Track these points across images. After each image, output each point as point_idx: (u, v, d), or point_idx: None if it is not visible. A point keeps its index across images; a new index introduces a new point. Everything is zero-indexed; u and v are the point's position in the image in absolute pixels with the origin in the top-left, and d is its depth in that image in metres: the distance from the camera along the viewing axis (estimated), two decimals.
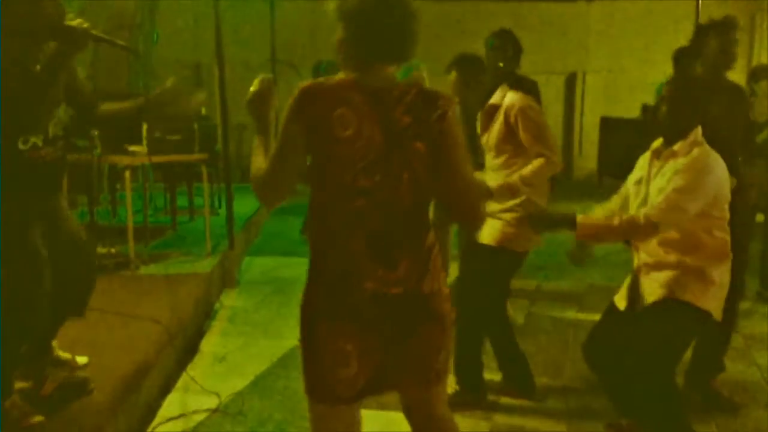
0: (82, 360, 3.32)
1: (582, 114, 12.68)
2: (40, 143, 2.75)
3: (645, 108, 11.54)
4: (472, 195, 2.02)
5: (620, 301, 3.03)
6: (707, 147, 2.79)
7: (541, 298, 5.45)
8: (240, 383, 3.81)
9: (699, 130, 2.82)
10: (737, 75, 11.22)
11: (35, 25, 2.67)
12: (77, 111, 3.14)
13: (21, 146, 2.70)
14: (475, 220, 2.09)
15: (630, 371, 2.79)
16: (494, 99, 3.43)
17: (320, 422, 2.09)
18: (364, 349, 1.98)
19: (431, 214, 2.15)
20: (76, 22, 2.69)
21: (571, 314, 5.06)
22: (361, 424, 2.15)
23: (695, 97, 2.84)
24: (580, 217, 2.80)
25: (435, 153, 1.92)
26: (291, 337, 4.42)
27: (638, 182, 2.99)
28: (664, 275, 2.82)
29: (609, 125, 11.94)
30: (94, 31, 2.77)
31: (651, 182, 2.88)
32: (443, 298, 2.05)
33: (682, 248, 2.78)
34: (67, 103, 2.96)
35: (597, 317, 4.88)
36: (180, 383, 3.83)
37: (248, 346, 4.39)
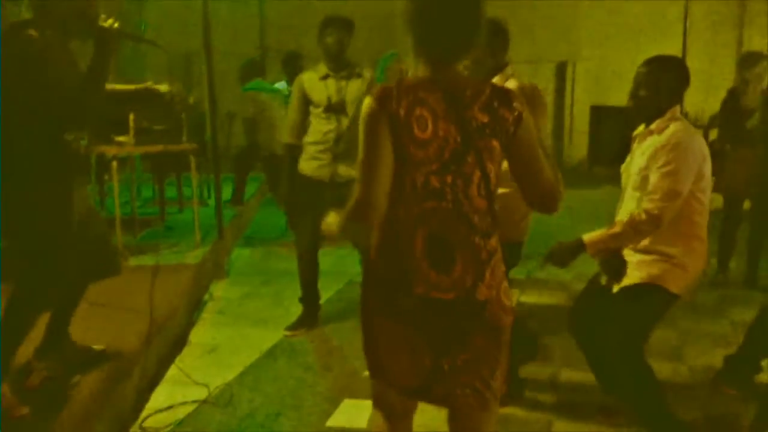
0: (98, 347, 3.34)
1: (572, 103, 12.67)
2: (83, 137, 2.80)
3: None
4: (551, 182, 1.97)
5: (602, 276, 3.12)
6: (684, 122, 2.84)
7: (530, 286, 5.46)
8: (229, 374, 3.80)
9: (677, 108, 2.85)
10: (728, 61, 11.24)
11: (80, 25, 2.77)
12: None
13: (68, 137, 2.77)
14: (555, 204, 2.00)
15: (605, 347, 2.90)
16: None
17: (378, 397, 2.16)
18: (413, 351, 1.97)
19: None
20: (108, 23, 2.71)
21: (561, 302, 5.07)
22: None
23: (671, 78, 2.87)
24: (585, 238, 2.87)
25: (509, 152, 1.92)
26: (280, 328, 4.42)
27: (624, 171, 3.04)
28: (644, 259, 2.88)
29: (599, 114, 11.97)
30: (124, 30, 2.81)
31: (633, 163, 2.94)
32: (502, 309, 1.96)
33: (664, 236, 2.81)
34: None
35: None
36: (169, 374, 3.82)
37: (237, 337, 4.38)
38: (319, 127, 4.24)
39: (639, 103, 2.90)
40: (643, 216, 2.73)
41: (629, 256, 2.95)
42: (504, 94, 1.90)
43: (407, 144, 1.86)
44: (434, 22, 1.88)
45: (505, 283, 2.00)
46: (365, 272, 2.06)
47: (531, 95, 3.09)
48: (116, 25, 2.75)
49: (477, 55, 3.19)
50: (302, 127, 4.31)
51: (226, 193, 6.38)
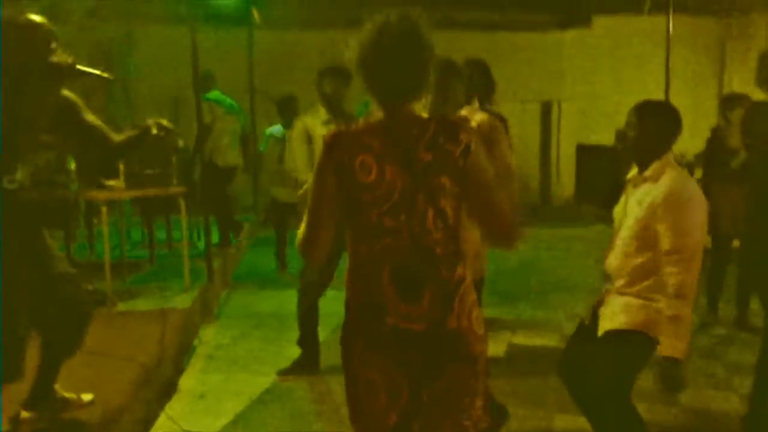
0: (87, 397, 3.29)
1: (558, 142, 12.81)
2: (27, 183, 2.75)
3: (620, 134, 11.67)
4: (507, 217, 1.98)
5: (586, 316, 3.09)
6: (679, 169, 2.83)
7: (521, 327, 5.44)
8: (219, 421, 3.75)
9: (671, 154, 2.85)
10: (708, 101, 11.39)
11: (25, 61, 2.69)
12: (97, 147, 3.14)
13: (6, 185, 2.69)
14: (511, 240, 2.01)
15: (592, 392, 2.87)
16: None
17: None
18: (391, 383, 1.99)
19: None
20: (61, 57, 2.70)
21: (552, 343, 5.05)
22: None
23: (662, 121, 2.87)
24: (674, 353, 2.68)
25: (462, 185, 1.93)
26: (270, 373, 4.38)
27: (617, 214, 3.04)
28: (630, 303, 2.84)
29: (585, 152, 12.09)
30: (78, 66, 2.78)
31: (627, 208, 2.92)
32: (474, 337, 1.98)
33: (654, 284, 2.80)
34: (84, 143, 2.98)
35: None
36: (159, 422, 3.76)
37: (227, 383, 4.32)
38: None
39: (629, 144, 2.91)
40: (678, 289, 2.67)
41: (614, 297, 2.92)
42: (449, 128, 1.93)
43: (354, 188, 1.92)
44: (379, 66, 1.91)
45: (477, 312, 2.01)
46: (345, 306, 2.07)
47: (488, 129, 3.12)
48: (70, 60, 2.75)
49: (438, 94, 3.16)
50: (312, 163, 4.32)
51: (215, 235, 6.36)
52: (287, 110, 6.85)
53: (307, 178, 4.36)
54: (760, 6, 11.13)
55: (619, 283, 2.90)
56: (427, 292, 1.93)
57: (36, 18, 2.79)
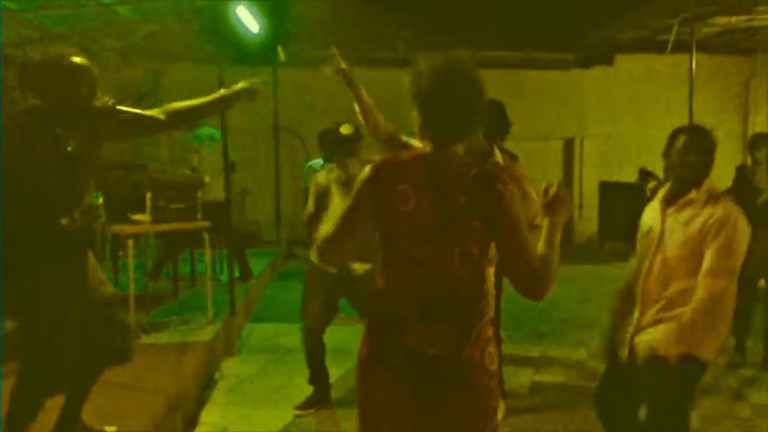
0: (110, 429, 3.33)
1: (581, 178, 12.78)
2: (78, 216, 2.82)
3: (643, 172, 11.68)
4: (537, 268, 1.99)
5: (624, 349, 3.01)
6: (729, 200, 2.86)
7: (544, 364, 5.39)
8: None
9: (711, 180, 2.88)
10: (732, 140, 11.34)
11: (71, 104, 2.80)
12: (149, 131, 3.23)
13: (63, 222, 2.78)
14: (538, 294, 2.00)
15: (654, 422, 2.82)
16: None
17: None
18: (397, 401, 2.01)
19: None
20: (101, 102, 2.79)
21: (575, 381, 4.99)
22: None
23: (712, 144, 2.92)
24: (702, 354, 2.75)
25: (493, 231, 1.96)
26: (290, 407, 4.37)
27: (647, 234, 2.99)
28: (672, 328, 2.80)
29: (608, 189, 12.05)
30: (119, 107, 2.87)
31: (665, 232, 2.89)
32: (484, 372, 2.01)
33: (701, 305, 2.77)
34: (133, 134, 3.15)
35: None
36: None
37: (248, 417, 4.32)
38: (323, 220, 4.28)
39: (687, 166, 2.88)
40: (707, 296, 2.71)
41: (655, 323, 2.87)
42: (488, 177, 1.97)
43: (389, 213, 1.98)
44: (440, 107, 1.96)
45: (491, 348, 2.04)
46: (366, 326, 2.11)
47: (519, 176, 3.16)
48: (110, 103, 2.84)
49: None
50: (319, 218, 4.34)
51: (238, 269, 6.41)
52: (325, 143, 6.75)
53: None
54: None
55: (657, 307, 2.87)
56: (445, 319, 1.97)
57: (80, 60, 2.87)
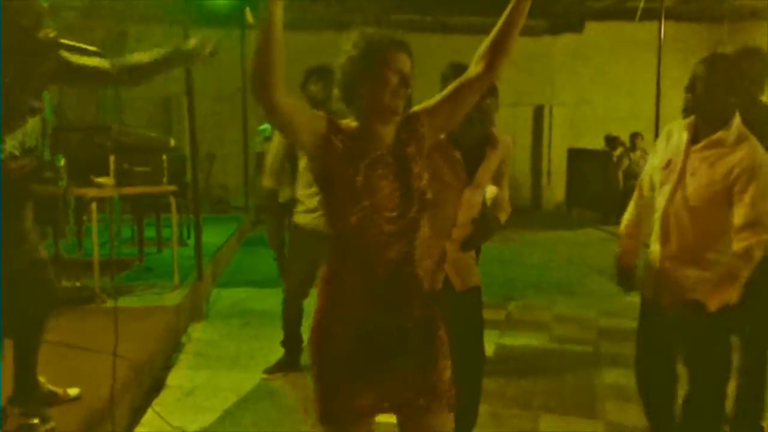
0: (73, 392, 3.28)
1: (550, 146, 12.86)
2: (17, 153, 2.75)
3: (609, 139, 11.79)
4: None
5: (647, 291, 2.93)
6: (754, 139, 2.68)
7: (509, 328, 5.46)
8: (207, 418, 3.75)
9: (738, 117, 2.69)
10: None
11: (10, 36, 2.70)
12: (96, 80, 3.16)
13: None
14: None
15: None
16: None
17: None
18: (359, 358, 1.99)
19: None
20: (43, 33, 2.71)
21: (540, 344, 5.08)
22: None
23: (731, 78, 2.69)
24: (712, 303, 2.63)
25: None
26: (259, 371, 4.38)
27: (666, 167, 2.82)
28: (713, 279, 2.69)
29: (576, 156, 12.16)
30: (62, 41, 2.79)
31: (689, 170, 2.73)
32: (435, 324, 2.05)
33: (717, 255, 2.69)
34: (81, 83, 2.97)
35: (566, 347, 4.98)
36: (145, 419, 3.75)
37: (216, 380, 4.32)
38: (310, 176, 4.21)
39: (697, 100, 2.71)
40: (745, 244, 2.58)
41: (680, 263, 2.78)
42: (408, 119, 2.04)
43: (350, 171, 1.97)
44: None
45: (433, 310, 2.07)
46: (323, 280, 2.05)
47: None
48: (52, 35, 2.77)
49: None
50: (283, 172, 4.30)
51: (206, 233, 6.34)
52: None
53: (272, 186, 4.33)
54: (750, 13, 11.24)
55: (682, 246, 2.77)
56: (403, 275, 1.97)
57: None
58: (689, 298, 2.69)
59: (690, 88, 2.73)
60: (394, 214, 1.92)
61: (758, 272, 2.68)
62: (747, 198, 2.59)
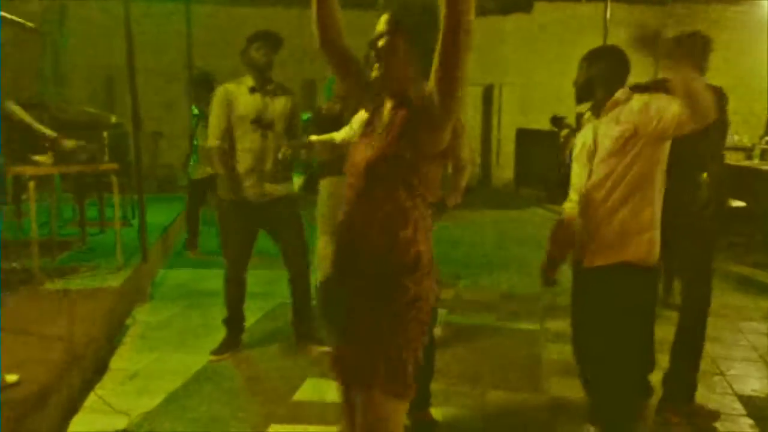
0: (12, 378, 3.19)
1: (499, 125, 12.95)
2: None
3: (555, 119, 11.93)
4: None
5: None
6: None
7: (458, 306, 5.50)
8: (151, 402, 3.67)
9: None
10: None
11: None
12: None
13: None
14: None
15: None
16: None
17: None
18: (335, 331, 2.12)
19: None
20: None
21: (487, 322, 5.13)
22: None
23: (612, 66, 2.95)
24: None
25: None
26: (205, 353, 4.31)
27: (581, 151, 3.03)
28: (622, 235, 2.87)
29: (524, 136, 12.27)
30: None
31: (599, 138, 2.93)
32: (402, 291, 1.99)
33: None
34: None
35: (515, 325, 5.04)
36: (88, 403, 3.66)
37: (160, 362, 4.24)
38: (245, 143, 4.16)
39: (588, 90, 2.98)
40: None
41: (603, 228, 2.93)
42: None
43: None
44: None
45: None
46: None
47: None
48: None
49: None
50: (228, 132, 4.19)
51: (150, 214, 6.20)
52: (200, 88, 6.73)
53: (216, 145, 4.26)
54: None
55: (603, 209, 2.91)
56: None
57: None
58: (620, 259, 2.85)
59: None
60: None
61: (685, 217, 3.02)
62: (656, 111, 2.72)
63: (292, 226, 4.33)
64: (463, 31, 1.84)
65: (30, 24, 2.83)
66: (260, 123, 4.12)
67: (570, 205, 3.10)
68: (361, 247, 2.01)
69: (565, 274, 3.17)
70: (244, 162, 4.14)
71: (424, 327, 2.03)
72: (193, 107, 6.92)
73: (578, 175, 3.06)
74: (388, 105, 2.07)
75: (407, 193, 1.98)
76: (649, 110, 2.75)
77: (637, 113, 2.79)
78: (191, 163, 6.97)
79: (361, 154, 2.03)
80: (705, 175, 3.55)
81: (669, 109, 2.67)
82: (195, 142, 6.87)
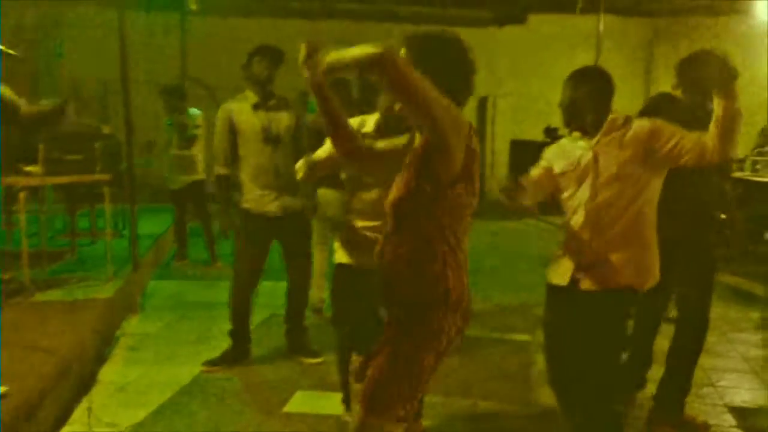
0: (1, 389, 3.15)
1: (493, 137, 12.97)
2: None
3: (548, 130, 11.98)
4: None
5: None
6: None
7: None
8: (141, 414, 3.65)
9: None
10: (636, 99, 11.72)
11: None
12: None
13: None
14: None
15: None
16: None
17: None
18: None
19: None
20: None
21: (481, 333, 5.11)
22: None
23: (599, 88, 2.87)
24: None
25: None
26: (196, 364, 4.29)
27: (573, 170, 2.93)
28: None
29: (518, 148, 12.30)
30: None
31: (600, 161, 2.83)
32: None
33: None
34: None
35: (503, 336, 5.02)
36: (76, 415, 3.63)
37: (150, 375, 4.22)
38: (256, 159, 4.17)
39: (576, 113, 2.91)
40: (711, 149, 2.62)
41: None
42: None
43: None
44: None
45: None
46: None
47: None
48: None
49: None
50: (232, 156, 4.22)
51: (142, 224, 6.19)
52: (171, 97, 6.76)
53: (223, 172, 4.30)
54: (686, 9, 11.52)
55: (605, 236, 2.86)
56: None
57: None
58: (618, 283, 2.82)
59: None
60: None
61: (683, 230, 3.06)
62: (671, 140, 2.69)
63: (302, 241, 4.37)
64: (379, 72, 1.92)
65: (13, 52, 2.82)
66: (270, 140, 4.14)
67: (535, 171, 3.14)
68: (391, 280, 2.11)
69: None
70: (257, 178, 4.16)
71: (440, 358, 2.14)
72: (166, 119, 6.94)
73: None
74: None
75: (433, 226, 2.05)
76: (661, 135, 2.72)
77: (646, 138, 2.74)
78: (166, 175, 6.99)
79: (393, 192, 2.12)
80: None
81: (688, 136, 2.66)
82: (171, 152, 6.88)
